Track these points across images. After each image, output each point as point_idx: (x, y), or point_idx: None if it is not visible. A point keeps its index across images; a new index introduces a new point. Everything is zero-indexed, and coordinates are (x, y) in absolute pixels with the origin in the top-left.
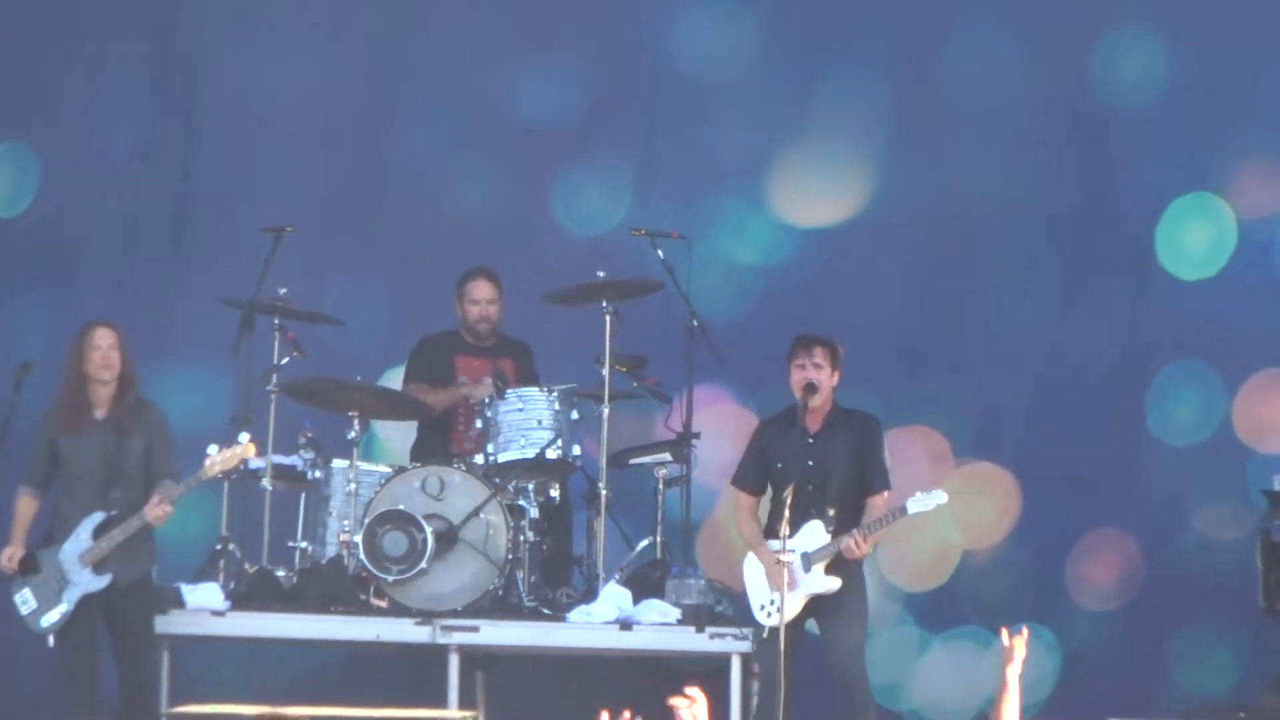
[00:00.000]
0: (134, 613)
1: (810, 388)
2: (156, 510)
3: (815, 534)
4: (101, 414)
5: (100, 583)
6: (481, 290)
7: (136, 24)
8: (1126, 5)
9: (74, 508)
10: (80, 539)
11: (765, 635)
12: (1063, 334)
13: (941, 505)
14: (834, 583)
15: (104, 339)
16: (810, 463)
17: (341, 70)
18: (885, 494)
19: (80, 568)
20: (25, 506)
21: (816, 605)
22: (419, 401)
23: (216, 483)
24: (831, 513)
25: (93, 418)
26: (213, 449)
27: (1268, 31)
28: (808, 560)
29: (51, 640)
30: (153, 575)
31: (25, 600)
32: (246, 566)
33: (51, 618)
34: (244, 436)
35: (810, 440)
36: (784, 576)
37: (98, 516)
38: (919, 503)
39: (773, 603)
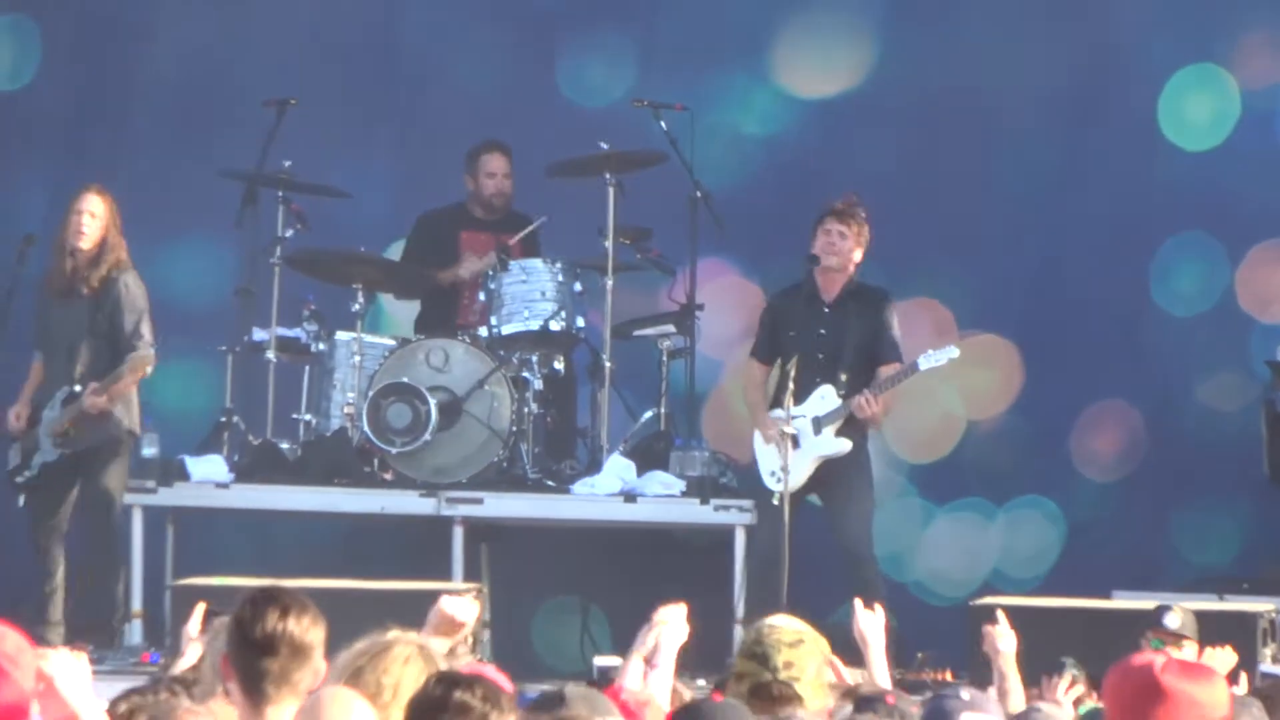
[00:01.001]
0: (94, 469)
1: (822, 257)
2: (92, 398)
3: (827, 397)
4: (79, 280)
5: (53, 455)
6: (497, 163)
7: None
8: None
9: (49, 373)
10: (54, 408)
11: (775, 501)
12: (1065, 205)
13: (954, 360)
14: (844, 444)
15: (84, 204)
16: (823, 331)
17: None
18: (896, 365)
19: (45, 436)
20: (36, 371)
21: (823, 479)
22: (421, 273)
23: (219, 356)
24: (844, 378)
25: (71, 284)
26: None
27: None
28: (818, 423)
29: (22, 500)
30: (126, 438)
31: (13, 455)
32: (250, 439)
33: (20, 477)
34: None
35: (825, 310)
36: (787, 447)
37: (67, 389)
38: (930, 359)
39: (783, 468)
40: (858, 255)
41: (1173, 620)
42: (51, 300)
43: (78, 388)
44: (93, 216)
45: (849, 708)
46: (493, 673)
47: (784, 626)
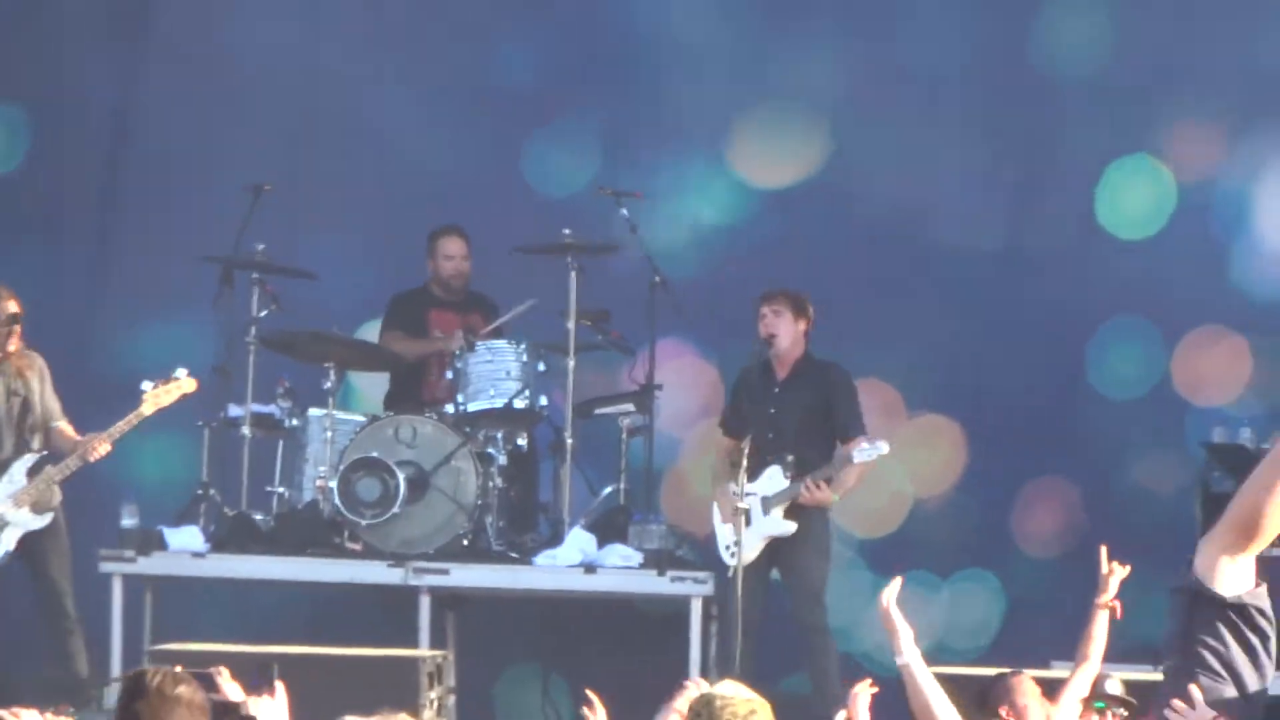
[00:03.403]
0: (53, 545)
1: (769, 339)
2: (97, 447)
3: (774, 479)
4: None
5: (42, 521)
6: (454, 246)
7: None
8: None
9: None
10: (14, 479)
11: (730, 575)
12: (1008, 291)
13: (883, 455)
14: (790, 526)
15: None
16: (772, 410)
17: (320, 31)
18: (860, 439)
19: (16, 508)
20: None
21: (778, 552)
22: (391, 353)
23: (197, 430)
24: (790, 458)
25: None
26: (146, 385)
27: None
28: (766, 504)
29: None
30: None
31: None
32: (226, 511)
33: None
34: (181, 371)
35: (775, 389)
36: (741, 522)
37: (30, 458)
38: (863, 452)
39: (736, 543)
40: (802, 326)
41: (1114, 686)
42: None
43: (37, 455)
44: (15, 320)
45: None
46: None
47: (735, 696)
